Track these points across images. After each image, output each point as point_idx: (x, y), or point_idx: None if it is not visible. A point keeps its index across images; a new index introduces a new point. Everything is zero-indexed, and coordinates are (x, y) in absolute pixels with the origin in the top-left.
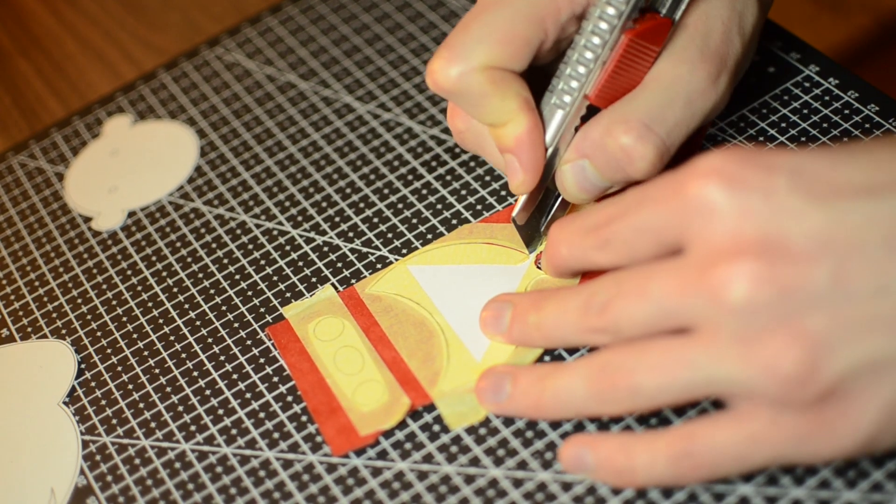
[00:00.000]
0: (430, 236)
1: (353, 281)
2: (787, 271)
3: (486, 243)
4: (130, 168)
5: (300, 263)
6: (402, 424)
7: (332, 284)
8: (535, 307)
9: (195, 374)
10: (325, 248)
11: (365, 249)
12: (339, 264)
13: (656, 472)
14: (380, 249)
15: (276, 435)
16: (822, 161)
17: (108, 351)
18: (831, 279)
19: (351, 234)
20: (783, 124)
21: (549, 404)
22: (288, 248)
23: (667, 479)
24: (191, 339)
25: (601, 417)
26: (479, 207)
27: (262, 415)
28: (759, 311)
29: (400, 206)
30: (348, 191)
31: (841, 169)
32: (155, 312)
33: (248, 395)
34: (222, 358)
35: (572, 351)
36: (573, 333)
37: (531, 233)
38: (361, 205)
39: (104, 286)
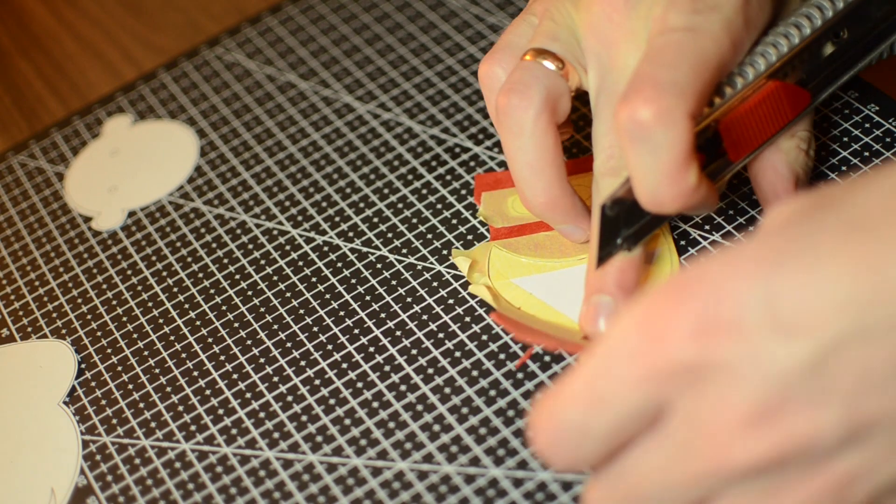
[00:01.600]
0: (429, 236)
1: (353, 281)
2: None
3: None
4: (130, 168)
5: (300, 263)
6: (402, 424)
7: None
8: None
9: (195, 374)
10: (325, 248)
11: (365, 249)
12: (339, 264)
13: None
14: (380, 249)
15: (276, 435)
16: (795, 292)
17: (108, 351)
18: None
19: (351, 234)
20: None
21: None
22: (288, 248)
23: None
24: (191, 339)
25: None
26: (479, 207)
27: (262, 415)
28: (771, 471)
29: (400, 206)
30: (348, 191)
31: (814, 299)
32: (155, 312)
33: (248, 395)
34: (222, 358)
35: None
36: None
37: (610, 243)
38: (361, 205)
39: (104, 286)
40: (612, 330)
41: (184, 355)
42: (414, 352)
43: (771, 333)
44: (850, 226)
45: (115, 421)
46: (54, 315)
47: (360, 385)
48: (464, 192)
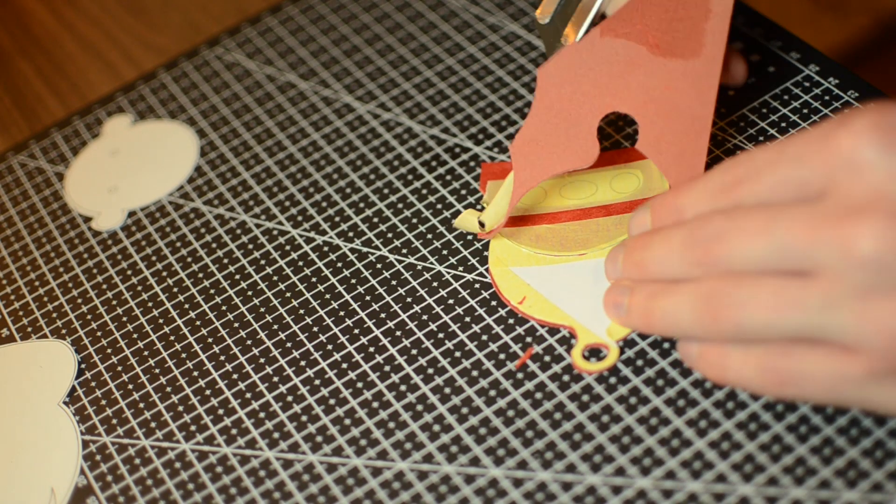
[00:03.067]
0: (429, 236)
1: (352, 281)
2: None
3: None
4: (130, 168)
5: (300, 263)
6: (402, 424)
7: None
8: (642, 245)
9: (195, 374)
10: (325, 248)
11: (365, 249)
12: (339, 264)
13: (745, 375)
14: (380, 249)
15: (276, 435)
16: None
17: (108, 351)
18: None
19: (351, 234)
20: (783, 124)
21: (657, 324)
22: (288, 248)
23: (754, 386)
24: (191, 339)
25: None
26: (478, 207)
27: (262, 415)
28: (886, 271)
29: (400, 206)
30: (348, 191)
31: None
32: (155, 312)
33: (248, 395)
34: (222, 358)
35: None
36: (677, 267)
37: (552, 39)
38: (361, 205)
39: (104, 286)
40: (784, 141)
41: (184, 355)
42: (414, 352)
43: None
44: None
45: (115, 421)
46: (54, 315)
47: (360, 385)
48: (464, 192)
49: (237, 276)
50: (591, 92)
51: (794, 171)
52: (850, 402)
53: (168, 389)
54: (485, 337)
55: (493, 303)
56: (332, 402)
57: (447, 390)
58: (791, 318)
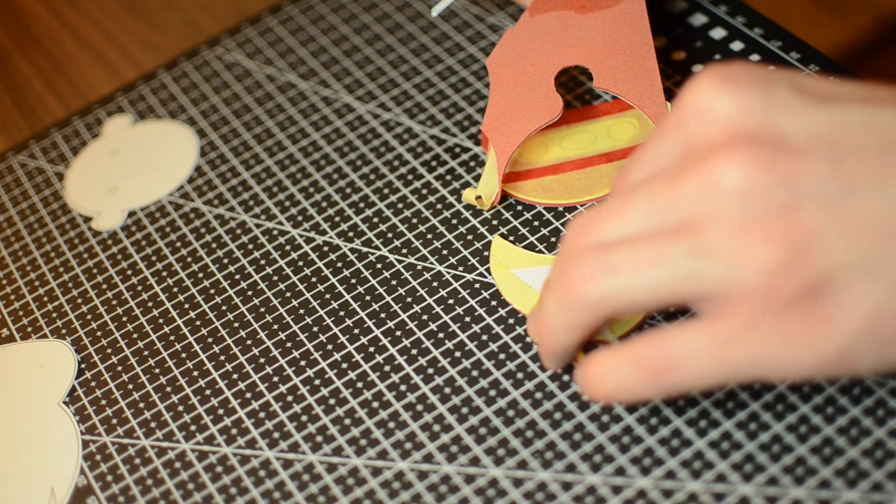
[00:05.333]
0: (429, 236)
1: (352, 281)
2: (784, 161)
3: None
4: (130, 168)
5: (300, 263)
6: (402, 424)
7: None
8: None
9: (195, 374)
10: (325, 248)
11: (365, 249)
12: (339, 264)
13: (621, 378)
14: (380, 249)
15: (276, 435)
16: (820, 78)
17: (108, 351)
18: (829, 175)
19: (351, 234)
20: None
21: (539, 335)
22: (288, 248)
23: (632, 387)
24: (191, 338)
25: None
26: (478, 207)
27: (262, 415)
28: (753, 198)
29: (400, 206)
30: (348, 191)
31: (840, 85)
32: (155, 312)
33: (248, 395)
34: (222, 358)
35: None
36: (567, 258)
37: None
38: (361, 205)
39: (104, 286)
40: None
41: (184, 355)
42: (414, 352)
43: (794, 96)
44: None
45: (115, 421)
46: (54, 315)
47: (360, 385)
48: (464, 191)
49: (237, 276)
50: (539, 59)
51: (655, 145)
52: (741, 368)
53: (168, 389)
54: (485, 337)
55: (493, 303)
56: (332, 402)
57: (447, 390)
58: (656, 274)
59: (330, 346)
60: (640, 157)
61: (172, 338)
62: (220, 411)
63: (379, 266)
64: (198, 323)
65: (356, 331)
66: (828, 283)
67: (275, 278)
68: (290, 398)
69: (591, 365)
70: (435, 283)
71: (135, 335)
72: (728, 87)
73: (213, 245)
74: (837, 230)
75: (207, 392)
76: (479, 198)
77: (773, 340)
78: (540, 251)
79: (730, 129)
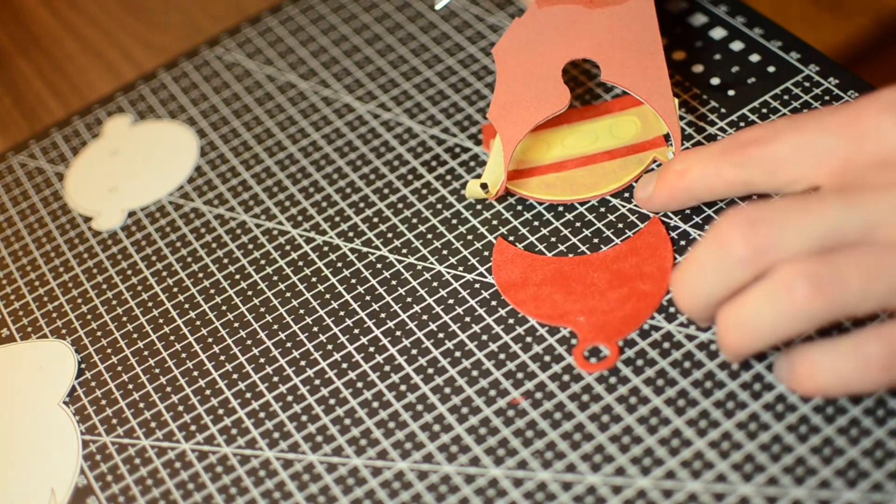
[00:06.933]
0: (429, 236)
1: (352, 281)
2: None
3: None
4: (130, 168)
5: (300, 263)
6: (402, 424)
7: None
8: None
9: (195, 374)
10: (325, 248)
11: (365, 249)
12: (339, 264)
13: (842, 371)
14: (380, 249)
15: (276, 435)
16: None
17: (108, 351)
18: None
19: (351, 234)
20: None
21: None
22: (288, 248)
23: (855, 377)
24: (191, 338)
25: None
26: (478, 207)
27: (262, 415)
28: None
29: (400, 206)
30: (348, 191)
31: None
32: (155, 312)
33: (248, 395)
34: (222, 358)
35: None
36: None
37: None
38: (361, 205)
39: (104, 286)
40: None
41: (184, 355)
42: (414, 352)
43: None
44: None
45: (115, 421)
46: (54, 315)
47: (360, 385)
48: (463, 191)
49: (237, 276)
50: (547, 50)
51: (819, 138)
52: None
53: (168, 389)
54: (485, 337)
55: (493, 303)
56: (332, 402)
57: (447, 390)
58: (885, 285)
59: (330, 346)
60: (790, 132)
61: (172, 338)
62: (220, 411)
63: (379, 266)
64: (198, 323)
65: (356, 331)
66: None
67: (275, 278)
68: (290, 398)
69: (802, 360)
70: (435, 283)
71: (135, 335)
72: None
73: (213, 245)
74: None
75: (207, 392)
76: (484, 186)
77: None
78: (540, 251)
79: None
